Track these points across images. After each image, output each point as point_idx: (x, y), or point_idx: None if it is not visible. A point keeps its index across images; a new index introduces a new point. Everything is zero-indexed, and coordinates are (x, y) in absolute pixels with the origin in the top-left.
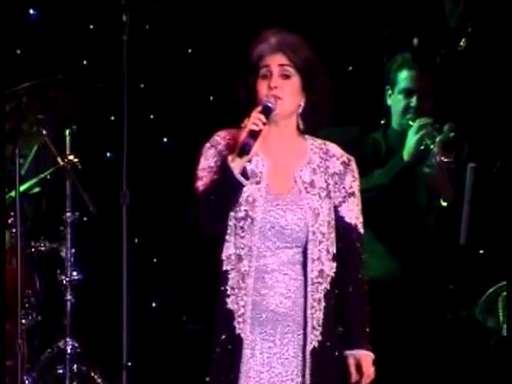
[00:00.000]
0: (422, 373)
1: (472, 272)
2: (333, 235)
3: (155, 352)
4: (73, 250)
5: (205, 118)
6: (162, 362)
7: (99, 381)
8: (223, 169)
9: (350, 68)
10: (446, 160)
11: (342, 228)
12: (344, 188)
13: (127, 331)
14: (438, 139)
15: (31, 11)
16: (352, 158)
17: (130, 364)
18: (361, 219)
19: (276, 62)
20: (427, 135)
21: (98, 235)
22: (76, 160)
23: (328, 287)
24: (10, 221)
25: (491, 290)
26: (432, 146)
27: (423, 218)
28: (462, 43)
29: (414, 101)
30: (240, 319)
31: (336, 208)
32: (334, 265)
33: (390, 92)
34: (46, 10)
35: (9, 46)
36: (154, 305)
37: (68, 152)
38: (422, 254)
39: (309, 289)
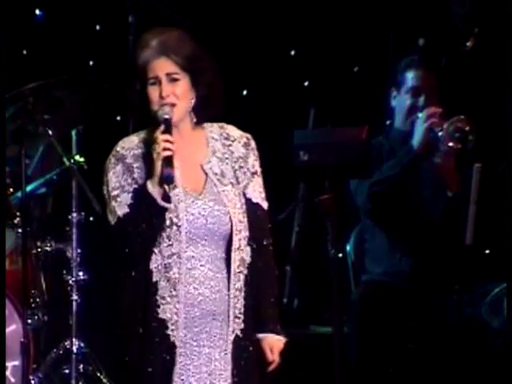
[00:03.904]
0: (428, 373)
1: (478, 272)
2: (246, 219)
3: None
4: (79, 250)
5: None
6: None
7: (105, 381)
8: (144, 197)
9: (356, 69)
10: (453, 146)
11: (250, 210)
12: (248, 169)
13: None
14: (445, 125)
15: (37, 12)
16: (250, 136)
17: None
18: (263, 195)
19: (162, 69)
20: (436, 124)
21: (104, 235)
22: (82, 160)
23: (246, 273)
24: (16, 221)
25: (497, 290)
26: (440, 134)
27: (430, 212)
28: (468, 44)
29: (421, 100)
30: (173, 327)
31: (243, 191)
32: (249, 249)
33: (394, 93)
34: (52, 11)
35: (15, 46)
36: None
37: (74, 152)
38: (428, 253)
39: (231, 279)
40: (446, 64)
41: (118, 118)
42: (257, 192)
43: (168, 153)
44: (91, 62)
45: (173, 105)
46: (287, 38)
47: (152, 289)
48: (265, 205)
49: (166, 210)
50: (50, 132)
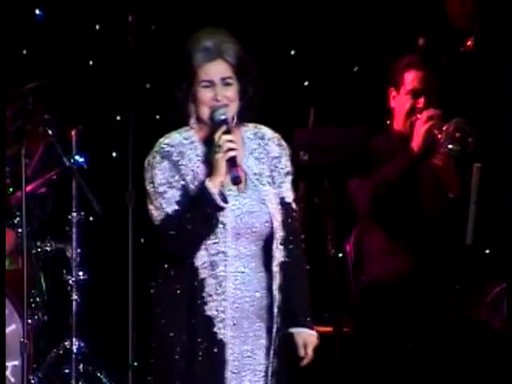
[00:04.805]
0: (428, 373)
1: (478, 272)
2: (281, 219)
3: None
4: (78, 250)
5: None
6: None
7: (105, 381)
8: (201, 195)
9: (356, 69)
10: (452, 148)
11: (284, 209)
12: (282, 169)
13: (133, 331)
14: (445, 127)
15: (37, 12)
16: (280, 136)
17: (135, 364)
18: (293, 195)
19: (217, 73)
20: (436, 126)
21: (104, 235)
22: (82, 160)
23: (281, 272)
24: (16, 221)
25: (497, 289)
26: (440, 136)
27: (430, 213)
28: (468, 44)
29: (421, 102)
30: (220, 325)
31: (278, 190)
32: (283, 248)
33: (394, 93)
34: (51, 11)
35: (15, 46)
36: None
37: (74, 152)
38: (428, 253)
39: (273, 280)
40: (446, 64)
41: (118, 118)
42: (289, 192)
43: (233, 153)
44: (91, 62)
45: (226, 106)
46: (287, 37)
47: (199, 286)
48: (294, 205)
49: (222, 209)
50: (50, 131)
